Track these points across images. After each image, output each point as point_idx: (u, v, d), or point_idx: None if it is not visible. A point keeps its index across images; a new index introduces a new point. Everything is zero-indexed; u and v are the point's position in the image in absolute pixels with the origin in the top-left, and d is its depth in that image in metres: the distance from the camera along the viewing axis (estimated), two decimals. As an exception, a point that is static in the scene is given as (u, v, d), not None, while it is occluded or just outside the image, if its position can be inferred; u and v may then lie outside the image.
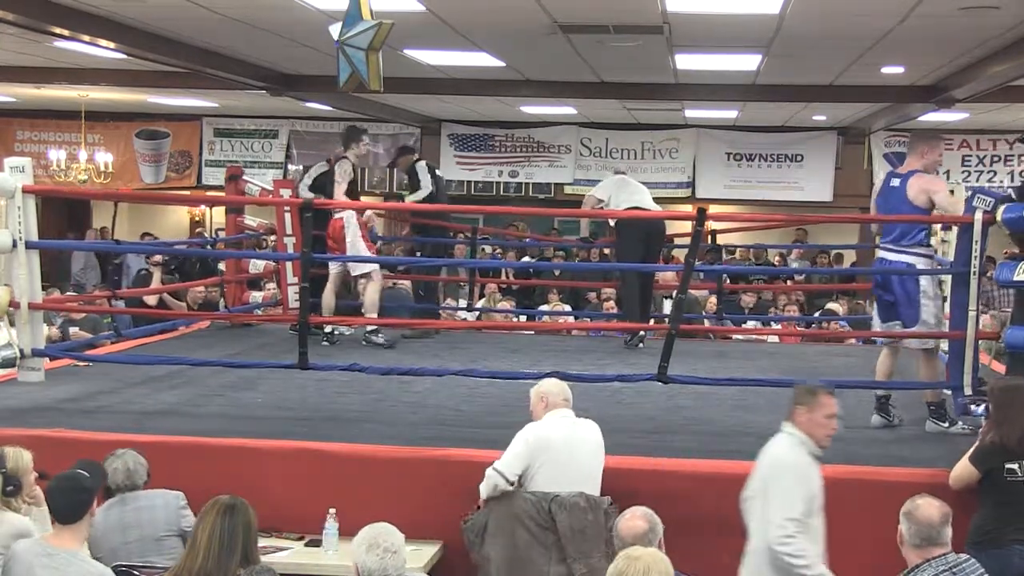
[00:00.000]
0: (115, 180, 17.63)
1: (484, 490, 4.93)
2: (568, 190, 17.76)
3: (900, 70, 11.14)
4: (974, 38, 9.05)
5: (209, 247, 12.15)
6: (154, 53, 10.36)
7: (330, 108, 15.81)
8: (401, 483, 5.30)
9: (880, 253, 6.28)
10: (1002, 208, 5.74)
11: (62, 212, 19.00)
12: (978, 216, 5.76)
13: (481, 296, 12.54)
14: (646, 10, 8.30)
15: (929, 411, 6.13)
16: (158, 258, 10.99)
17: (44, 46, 10.98)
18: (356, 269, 8.54)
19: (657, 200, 10.15)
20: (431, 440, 5.66)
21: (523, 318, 12.04)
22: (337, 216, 8.44)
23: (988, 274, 7.36)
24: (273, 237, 10.04)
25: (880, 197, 6.32)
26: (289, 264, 9.04)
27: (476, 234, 10.22)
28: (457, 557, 5.09)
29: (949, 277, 6.68)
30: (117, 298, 9.41)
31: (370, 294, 8.39)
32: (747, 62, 10.84)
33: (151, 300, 10.05)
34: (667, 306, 10.47)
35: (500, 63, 11.36)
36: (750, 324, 10.93)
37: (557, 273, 13.31)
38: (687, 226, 8.08)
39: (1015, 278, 5.68)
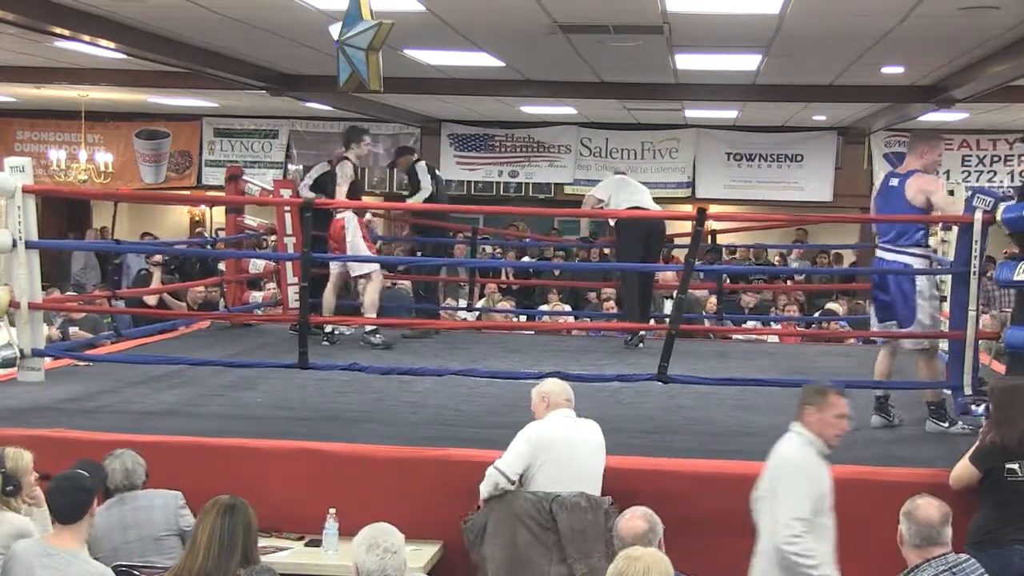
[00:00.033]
0: (115, 180, 17.64)
1: (485, 489, 4.93)
2: (568, 190, 17.76)
3: (900, 70, 11.14)
4: (974, 38, 9.05)
5: (209, 247, 12.15)
6: (154, 53, 10.37)
7: (330, 108, 15.81)
8: (401, 483, 5.29)
9: (878, 253, 6.28)
10: (1002, 208, 5.74)
11: (62, 212, 19.00)
12: (978, 216, 5.76)
13: (481, 296, 12.54)
14: (646, 10, 8.30)
15: (929, 411, 6.13)
16: (158, 258, 10.98)
17: (44, 46, 10.98)
18: (356, 270, 8.54)
19: (657, 200, 10.15)
20: (431, 440, 5.66)
21: (523, 318, 12.04)
22: (338, 216, 8.45)
23: (988, 274, 7.36)
24: (273, 237, 10.04)
25: (879, 197, 6.33)
26: (289, 264, 9.04)
27: (476, 234, 10.21)
28: (457, 557, 5.09)
29: (948, 277, 6.69)
30: (117, 298, 9.41)
31: (370, 294, 8.40)
32: (747, 62, 10.84)
33: (151, 300, 10.04)
34: (668, 306, 10.47)
35: (500, 63, 11.36)
36: (750, 324, 10.93)
37: (557, 273, 13.30)
38: (687, 226, 8.08)
39: (1015, 278, 5.69)
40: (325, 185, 8.88)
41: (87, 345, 8.77)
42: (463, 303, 11.64)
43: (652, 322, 9.55)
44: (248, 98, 15.13)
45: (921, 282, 6.07)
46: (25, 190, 6.12)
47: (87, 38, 9.54)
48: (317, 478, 5.35)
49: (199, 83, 13.01)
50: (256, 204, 10.95)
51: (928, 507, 4.17)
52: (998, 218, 5.75)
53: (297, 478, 5.36)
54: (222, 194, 12.51)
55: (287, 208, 9.07)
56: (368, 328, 8.45)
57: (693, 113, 15.86)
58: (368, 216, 8.62)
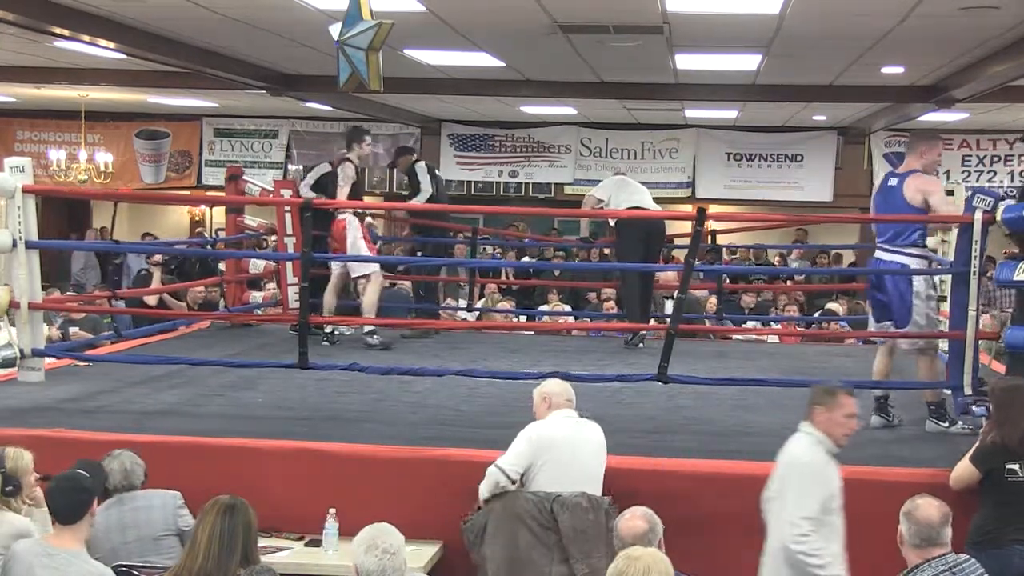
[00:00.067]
0: (115, 180, 17.64)
1: (485, 488, 4.93)
2: (568, 190, 17.76)
3: (900, 70, 11.14)
4: (974, 38, 9.05)
5: (209, 247, 12.15)
6: (154, 53, 10.37)
7: (330, 108, 15.82)
8: (401, 483, 5.29)
9: (876, 253, 6.29)
10: (1002, 208, 5.74)
11: (62, 212, 19.01)
12: (978, 216, 5.75)
13: (481, 296, 12.54)
14: (646, 10, 8.30)
15: (929, 411, 6.13)
16: (158, 258, 10.98)
17: (44, 46, 10.99)
18: (356, 271, 8.53)
19: (657, 200, 10.15)
20: (431, 440, 5.66)
21: (523, 318, 12.04)
22: (340, 217, 8.44)
23: (988, 274, 7.36)
24: (273, 237, 10.04)
25: (879, 196, 6.33)
26: (289, 264, 9.04)
27: (476, 234, 10.21)
28: (457, 557, 5.09)
29: (946, 277, 6.69)
30: (117, 298, 9.41)
31: (369, 295, 8.39)
32: (747, 62, 10.84)
33: (151, 300, 10.04)
34: (668, 306, 10.47)
35: (500, 63, 11.36)
36: (750, 324, 10.94)
37: (557, 273, 13.31)
38: (687, 226, 8.08)
39: (1015, 278, 5.68)
40: (326, 186, 8.87)
41: (87, 345, 8.78)
42: (463, 303, 11.64)
43: (652, 322, 9.54)
44: (248, 98, 15.13)
45: (918, 282, 6.06)
46: (25, 190, 6.12)
47: (87, 38, 9.54)
48: (317, 478, 5.34)
49: (199, 83, 13.01)
50: (256, 204, 10.95)
51: (928, 507, 4.17)
52: (998, 218, 5.75)
53: (297, 478, 5.36)
54: (222, 194, 12.52)
55: (287, 208, 9.06)
56: (367, 329, 8.44)
57: (693, 113, 15.87)
58: (368, 219, 8.60)
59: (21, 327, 6.17)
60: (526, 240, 15.24)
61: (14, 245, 6.05)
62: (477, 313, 11.47)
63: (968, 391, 5.82)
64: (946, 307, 6.32)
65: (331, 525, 5.01)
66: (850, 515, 4.73)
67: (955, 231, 6.34)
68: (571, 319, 11.93)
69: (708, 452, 5.58)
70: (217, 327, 9.39)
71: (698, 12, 8.34)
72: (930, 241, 6.99)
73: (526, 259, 14.61)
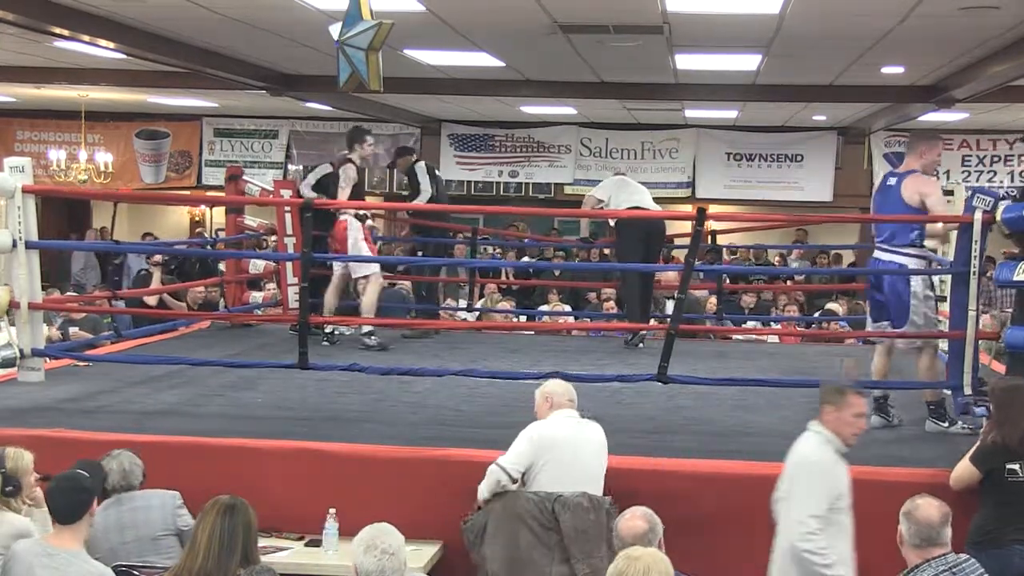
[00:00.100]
0: (115, 180, 17.64)
1: (486, 487, 4.93)
2: (568, 190, 17.76)
3: (900, 70, 11.14)
4: (974, 38, 9.06)
5: (209, 247, 12.15)
6: (154, 53, 10.37)
7: (330, 108, 15.82)
8: (401, 483, 5.29)
9: (874, 253, 6.29)
10: (1002, 208, 5.74)
11: (62, 212, 19.01)
12: (978, 216, 5.76)
13: (481, 296, 12.55)
14: (646, 10, 8.31)
15: (929, 410, 6.13)
16: (158, 258, 10.98)
17: (44, 46, 10.99)
18: (357, 271, 8.52)
19: (657, 200, 10.15)
20: (431, 440, 5.66)
21: (523, 318, 12.04)
22: (341, 218, 8.44)
23: (988, 274, 7.36)
24: (273, 237, 10.04)
25: (878, 195, 6.35)
26: (289, 264, 9.04)
27: (476, 234, 10.21)
28: (457, 557, 5.09)
29: (946, 276, 6.68)
30: (117, 298, 9.42)
31: (369, 295, 8.39)
32: (747, 62, 10.85)
33: (151, 300, 10.04)
34: (670, 306, 10.47)
35: (500, 63, 11.36)
36: (750, 324, 10.94)
37: (557, 273, 13.31)
38: (687, 226, 8.08)
39: (1015, 278, 5.69)
40: (327, 187, 8.87)
41: (87, 345, 8.77)
42: (463, 303, 11.64)
43: (653, 322, 9.55)
44: (248, 98, 15.13)
45: (915, 282, 6.07)
46: (25, 190, 6.12)
47: (87, 38, 9.54)
48: (317, 478, 5.34)
49: (199, 83, 13.02)
50: (256, 204, 10.95)
51: (928, 507, 4.17)
52: (998, 218, 5.75)
53: (297, 478, 5.36)
54: (222, 194, 12.52)
55: (287, 208, 9.06)
56: (364, 330, 8.44)
57: (693, 113, 15.87)
58: (370, 222, 8.58)
59: (21, 327, 6.17)
60: (526, 240, 15.24)
61: (14, 245, 6.05)
62: (477, 313, 11.48)
63: (968, 391, 5.83)
64: (946, 307, 6.32)
65: (331, 525, 5.01)
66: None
67: (954, 237, 6.33)
68: (571, 319, 11.93)
69: (708, 452, 5.58)
70: (217, 327, 9.39)
71: (698, 12, 8.34)
72: (929, 242, 6.98)
73: (526, 259, 14.61)
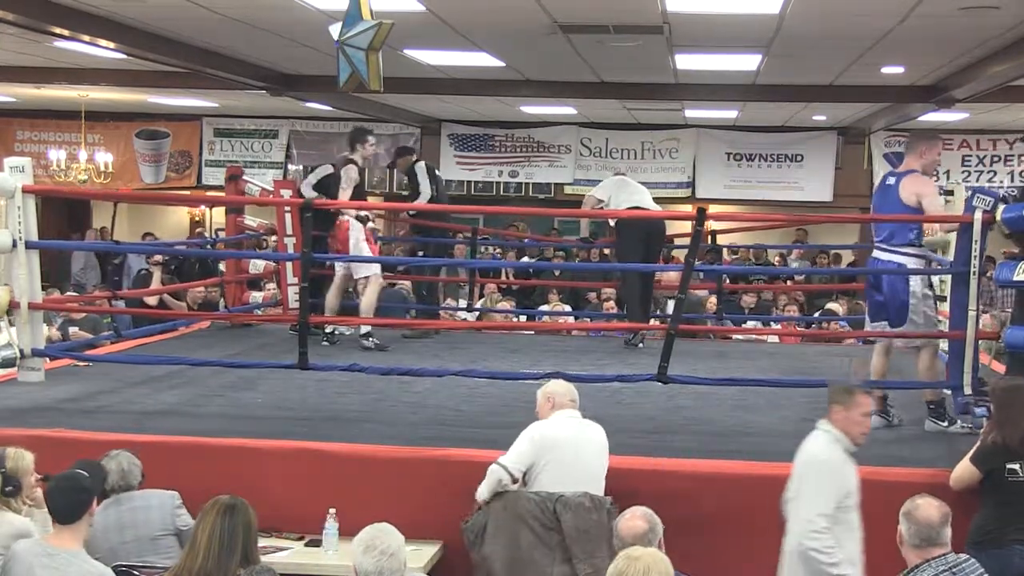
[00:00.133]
0: (115, 180, 17.65)
1: (486, 486, 4.92)
2: (568, 190, 17.76)
3: (900, 70, 11.14)
4: (974, 38, 9.06)
5: (209, 247, 12.15)
6: (154, 53, 10.37)
7: (330, 108, 15.82)
8: (401, 483, 5.29)
9: (874, 252, 6.30)
10: (1002, 208, 5.74)
11: (62, 212, 19.00)
12: (978, 216, 5.76)
13: (481, 296, 12.55)
14: (646, 10, 8.31)
15: (928, 410, 6.13)
16: (159, 258, 10.98)
17: (44, 46, 10.99)
18: (359, 272, 8.52)
19: (657, 200, 10.15)
20: (431, 440, 5.66)
21: (523, 318, 12.04)
22: (343, 219, 8.43)
23: (988, 274, 7.36)
24: (273, 237, 10.04)
25: (877, 195, 6.36)
26: (289, 264, 9.04)
27: (476, 234, 10.21)
28: (457, 557, 5.08)
29: (946, 276, 6.68)
30: (117, 298, 9.42)
31: (368, 296, 8.38)
32: (747, 62, 10.85)
33: (151, 300, 10.04)
34: (671, 306, 10.46)
35: (500, 63, 11.36)
36: (750, 324, 10.93)
37: (557, 273, 13.31)
38: (687, 226, 8.08)
39: (1015, 278, 5.69)
40: (328, 187, 8.87)
41: (87, 345, 8.77)
42: (463, 303, 11.64)
43: (653, 322, 9.55)
44: (248, 98, 15.14)
45: (914, 281, 6.07)
46: (25, 190, 6.12)
47: (87, 38, 9.54)
48: (317, 478, 5.34)
49: (199, 83, 13.02)
50: (256, 204, 10.95)
51: (928, 507, 4.17)
52: (998, 218, 5.75)
53: (297, 478, 5.36)
54: (222, 194, 12.51)
55: (287, 208, 9.06)
56: (363, 331, 8.44)
57: (693, 113, 15.87)
58: (371, 224, 8.57)
59: (21, 327, 6.17)
60: (526, 240, 15.24)
61: (14, 245, 6.05)
62: (477, 313, 11.48)
63: (968, 391, 5.83)
64: (946, 307, 6.32)
65: (331, 525, 5.01)
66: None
67: (953, 239, 6.33)
68: (571, 319, 11.93)
69: (708, 452, 5.58)
70: (217, 327, 9.39)
71: (698, 12, 8.34)
72: (933, 238, 6.99)
73: (526, 259, 14.61)
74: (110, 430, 5.62)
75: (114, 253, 15.15)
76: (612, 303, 11.23)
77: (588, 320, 11.53)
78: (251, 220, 10.19)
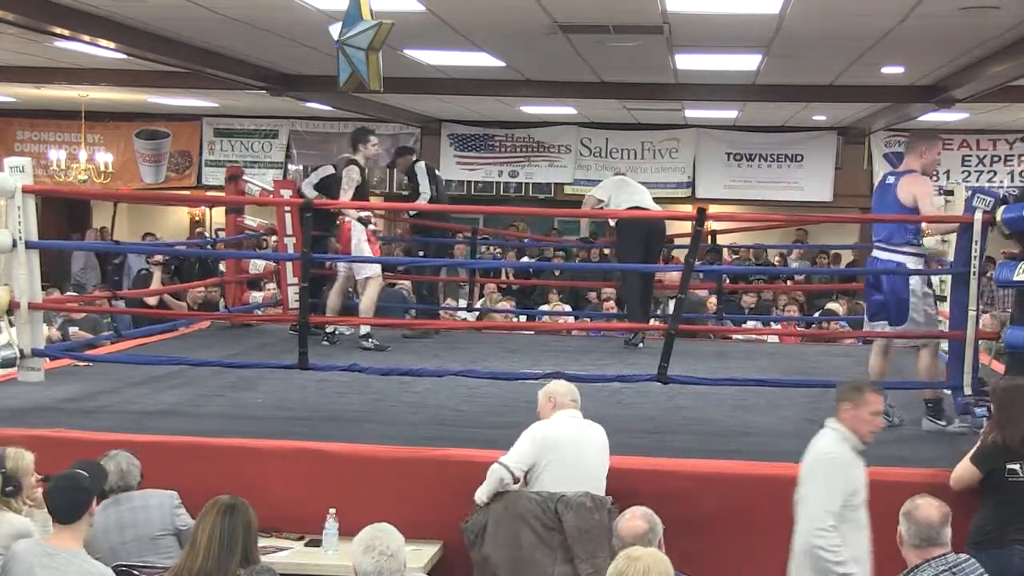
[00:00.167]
0: (115, 180, 17.65)
1: (487, 486, 4.92)
2: (568, 190, 17.76)
3: (900, 70, 11.14)
4: (974, 38, 9.06)
5: (209, 247, 12.15)
6: (154, 53, 10.37)
7: (330, 108, 15.82)
8: (401, 483, 5.29)
9: (873, 252, 6.30)
10: (1002, 208, 5.74)
11: (62, 212, 19.00)
12: (978, 216, 5.76)
13: (481, 296, 12.55)
14: (646, 10, 8.31)
15: (926, 408, 6.13)
16: (159, 257, 10.98)
17: (44, 46, 10.99)
18: (360, 273, 8.51)
19: (657, 200, 10.15)
20: (431, 440, 5.65)
21: (523, 318, 12.04)
22: (345, 220, 8.43)
23: (988, 274, 7.36)
24: (273, 237, 10.04)
25: (876, 194, 6.37)
26: (289, 264, 9.04)
27: (476, 234, 10.21)
28: (457, 557, 5.08)
29: (946, 276, 6.68)
30: (117, 298, 9.42)
31: (368, 296, 8.38)
32: (747, 62, 10.85)
33: (151, 300, 10.04)
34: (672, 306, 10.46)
35: (500, 63, 11.36)
36: (750, 324, 10.93)
37: (557, 273, 13.31)
38: (687, 226, 8.08)
39: (1015, 278, 5.69)
40: (329, 188, 8.87)
41: (87, 345, 8.77)
42: (463, 303, 11.64)
43: (653, 322, 9.55)
44: (248, 98, 15.14)
45: (914, 280, 6.08)
46: (25, 190, 6.12)
47: (87, 38, 9.54)
48: (317, 478, 5.34)
49: (199, 83, 13.02)
50: (256, 204, 10.95)
51: (928, 507, 4.17)
52: (998, 218, 5.75)
53: (297, 478, 5.36)
54: (222, 194, 12.51)
55: (287, 208, 9.06)
56: (362, 331, 8.43)
57: (693, 113, 15.87)
58: (372, 226, 8.57)
59: (21, 327, 6.17)
60: (526, 240, 15.24)
61: (14, 245, 6.05)
62: (477, 313, 11.48)
63: (968, 391, 5.83)
64: (946, 307, 6.32)
65: (331, 525, 5.01)
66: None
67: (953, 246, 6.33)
68: (571, 319, 11.93)
69: (708, 452, 5.58)
70: (217, 327, 9.39)
71: (698, 12, 8.34)
72: (928, 242, 6.98)
73: (526, 259, 14.61)
74: (110, 430, 5.62)
75: (114, 253, 15.16)
76: (612, 303, 11.23)
77: (588, 320, 11.53)
78: (251, 220, 10.19)
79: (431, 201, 9.14)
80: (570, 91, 13.31)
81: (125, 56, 10.89)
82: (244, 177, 9.78)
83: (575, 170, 17.85)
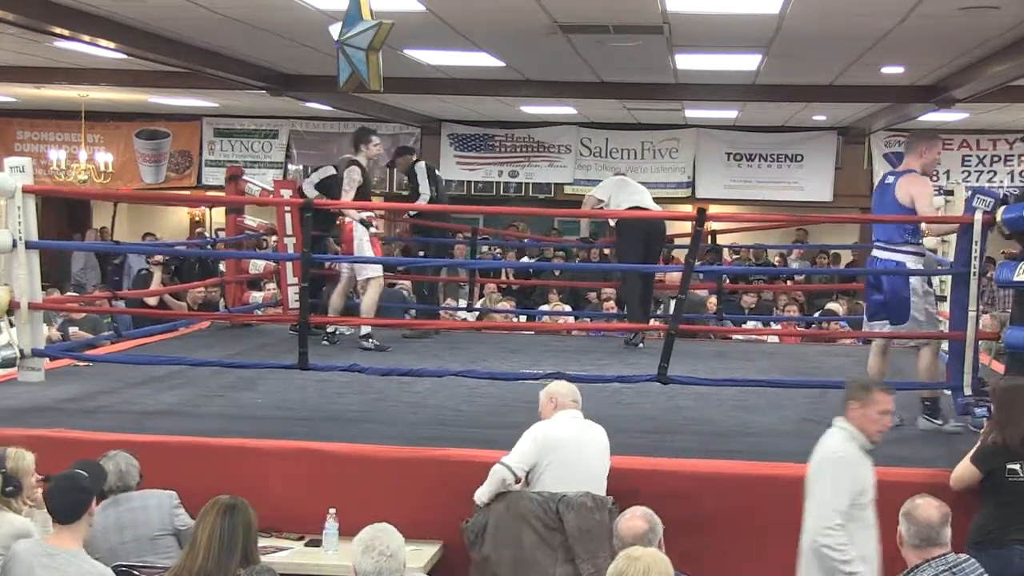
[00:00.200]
0: (115, 180, 17.64)
1: (489, 486, 4.92)
2: (568, 190, 17.76)
3: (900, 70, 11.14)
4: (974, 38, 9.06)
5: (209, 247, 12.15)
6: (154, 53, 10.37)
7: (330, 108, 15.82)
8: (401, 483, 5.29)
9: (873, 252, 6.30)
10: (1002, 208, 5.74)
11: (62, 212, 19.00)
12: (978, 216, 5.76)
13: (481, 296, 12.55)
14: (646, 10, 8.31)
15: (923, 407, 6.13)
16: (159, 257, 10.98)
17: (44, 46, 10.99)
18: (362, 273, 8.51)
19: (657, 200, 10.15)
20: (431, 440, 5.65)
21: (523, 318, 12.04)
22: (346, 221, 8.43)
23: (988, 275, 7.36)
24: (273, 237, 10.04)
25: (876, 193, 6.37)
26: (289, 264, 9.04)
27: (476, 234, 10.21)
28: (457, 557, 5.08)
29: (946, 276, 6.68)
30: (117, 298, 9.42)
31: (369, 297, 8.38)
32: (747, 62, 10.85)
33: (151, 300, 10.04)
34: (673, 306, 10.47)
35: (500, 63, 11.36)
36: (750, 324, 10.93)
37: (557, 273, 13.31)
38: (687, 226, 8.08)
39: (1015, 278, 5.69)
40: (330, 188, 8.87)
41: (87, 345, 8.77)
42: (463, 303, 11.64)
43: (653, 322, 9.55)
44: (248, 98, 15.14)
45: (914, 279, 6.08)
46: (25, 190, 6.12)
47: (87, 38, 9.54)
48: (317, 478, 5.34)
49: (199, 83, 13.02)
50: (256, 204, 10.95)
51: (927, 507, 4.17)
52: (998, 219, 5.74)
53: (297, 478, 5.36)
54: (222, 194, 12.51)
55: (287, 208, 9.06)
56: (363, 332, 8.43)
57: (693, 113, 15.87)
58: (373, 229, 8.56)
59: (21, 327, 6.17)
60: (526, 240, 15.24)
61: (14, 245, 6.05)
62: (477, 313, 11.48)
63: (968, 391, 5.83)
64: (946, 307, 6.32)
65: (331, 525, 5.01)
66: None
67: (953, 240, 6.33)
68: (571, 319, 11.93)
69: (708, 452, 5.57)
70: (217, 327, 9.39)
71: (698, 12, 8.34)
72: (928, 242, 6.99)
73: (526, 259, 14.61)
74: (110, 430, 5.62)
75: (114, 253, 15.16)
76: (612, 303, 11.23)
77: (588, 320, 11.53)
78: (251, 220, 10.19)
79: (431, 201, 9.15)
80: (570, 91, 13.31)
81: (125, 56, 10.89)
82: (244, 177, 9.79)
83: (575, 170, 17.85)
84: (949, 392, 6.09)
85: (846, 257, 16.24)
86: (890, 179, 6.17)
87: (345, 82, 6.17)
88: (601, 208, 9.07)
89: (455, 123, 17.90)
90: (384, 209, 13.60)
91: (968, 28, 8.55)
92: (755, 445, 5.79)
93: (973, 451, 4.90)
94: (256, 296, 10.70)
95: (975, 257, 5.76)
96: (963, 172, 16.85)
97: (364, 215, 8.38)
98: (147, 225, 18.38)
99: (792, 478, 4.85)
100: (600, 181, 10.40)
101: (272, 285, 11.20)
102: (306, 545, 5.15)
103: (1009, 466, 4.74)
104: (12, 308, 6.10)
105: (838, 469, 4.48)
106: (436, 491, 5.23)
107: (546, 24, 8.93)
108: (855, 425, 4.59)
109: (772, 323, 11.36)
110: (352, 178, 8.48)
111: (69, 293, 11.72)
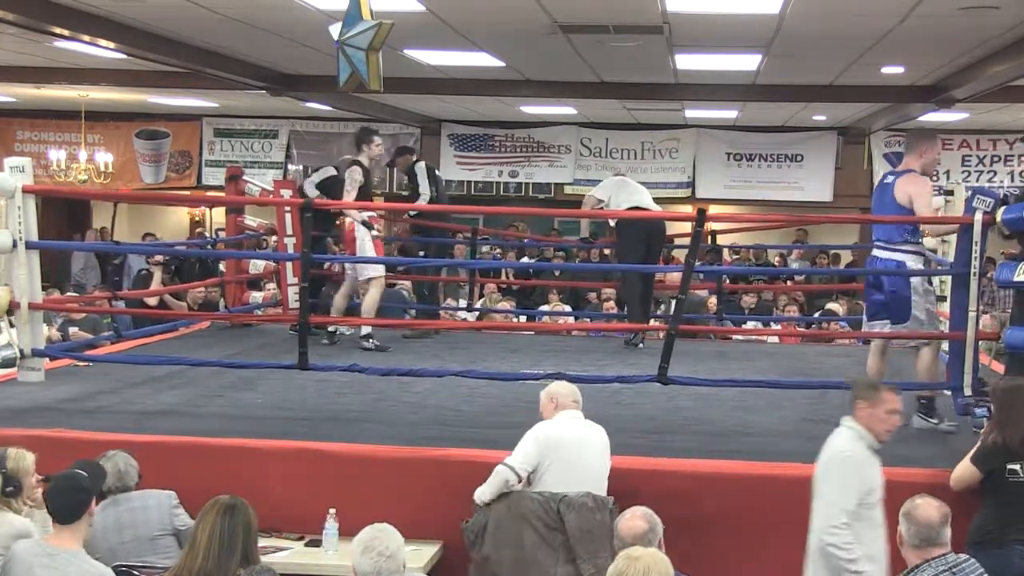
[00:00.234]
0: (115, 180, 17.64)
1: (491, 487, 4.93)
2: (568, 190, 17.76)
3: (900, 70, 11.14)
4: (974, 38, 9.06)
5: (209, 247, 12.16)
6: (154, 53, 10.37)
7: (330, 108, 15.82)
8: (401, 483, 5.29)
9: (873, 251, 6.30)
10: (1002, 209, 5.74)
11: (62, 212, 18.99)
12: (978, 217, 5.76)
13: (481, 296, 12.55)
14: (646, 10, 8.31)
15: (918, 406, 6.13)
16: (159, 257, 10.98)
17: (44, 46, 10.99)
18: (364, 273, 8.51)
19: (657, 200, 10.15)
20: (431, 440, 5.66)
21: (523, 318, 12.04)
22: (347, 221, 8.42)
23: (988, 275, 7.36)
24: (274, 237, 10.04)
25: (876, 193, 6.38)
26: (289, 264, 9.04)
27: (476, 234, 10.21)
28: (457, 557, 5.09)
29: (946, 276, 6.68)
30: (117, 298, 9.42)
31: (370, 297, 8.38)
32: (747, 62, 10.85)
33: (151, 300, 10.04)
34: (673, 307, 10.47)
35: (500, 63, 11.36)
36: (750, 324, 10.93)
37: (557, 273, 13.31)
38: (687, 226, 8.08)
39: (1015, 278, 5.69)
40: (330, 189, 8.86)
41: (87, 345, 8.77)
42: (463, 303, 11.64)
43: (653, 322, 9.55)
44: (248, 98, 15.13)
45: (914, 278, 6.08)
46: (25, 190, 6.12)
47: (87, 38, 9.54)
48: (317, 478, 5.34)
49: (199, 83, 13.02)
50: (256, 204, 10.95)
51: (927, 507, 4.17)
52: (998, 219, 5.74)
53: (297, 478, 5.36)
54: (222, 194, 12.51)
55: (287, 208, 9.07)
56: (363, 332, 8.43)
57: (693, 113, 15.87)
58: (375, 232, 8.55)
59: (21, 327, 6.17)
60: (526, 240, 15.24)
61: (14, 245, 6.05)
62: (477, 313, 11.48)
63: (968, 392, 5.82)
64: (946, 307, 6.32)
65: (331, 525, 5.01)
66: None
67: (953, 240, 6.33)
68: (571, 319, 11.93)
69: (708, 452, 5.58)
70: (217, 327, 9.39)
71: (698, 12, 8.34)
72: (928, 242, 6.99)
73: (526, 259, 14.61)
74: (110, 430, 5.62)
75: (114, 253, 15.16)
76: (612, 303, 11.23)
77: (588, 320, 11.53)
78: (251, 220, 10.19)
79: (431, 201, 9.15)
80: (570, 91, 13.31)
81: (125, 56, 10.89)
82: (244, 177, 9.79)
83: (575, 170, 17.85)
84: (948, 392, 6.09)
85: (846, 257, 16.24)
86: (890, 179, 6.17)
87: (345, 82, 6.17)
88: (601, 208, 9.07)
89: (455, 123, 17.90)
90: (384, 209, 13.62)
91: (968, 28, 8.55)
92: (755, 445, 5.79)
93: (973, 451, 4.90)
94: (256, 296, 10.70)
95: (975, 257, 5.76)
96: (963, 172, 16.85)
97: (366, 216, 8.37)
98: (147, 225, 18.37)
99: (792, 478, 4.86)
100: (600, 181, 10.40)
101: (272, 285, 11.20)
102: (306, 545, 5.15)
103: (1009, 466, 4.74)
104: (12, 308, 6.10)
105: (846, 468, 4.48)
106: (436, 491, 5.23)
107: (546, 24, 8.93)
108: (863, 424, 4.59)
109: (772, 323, 11.36)
110: (354, 178, 8.47)
111: (69, 293, 11.72)
